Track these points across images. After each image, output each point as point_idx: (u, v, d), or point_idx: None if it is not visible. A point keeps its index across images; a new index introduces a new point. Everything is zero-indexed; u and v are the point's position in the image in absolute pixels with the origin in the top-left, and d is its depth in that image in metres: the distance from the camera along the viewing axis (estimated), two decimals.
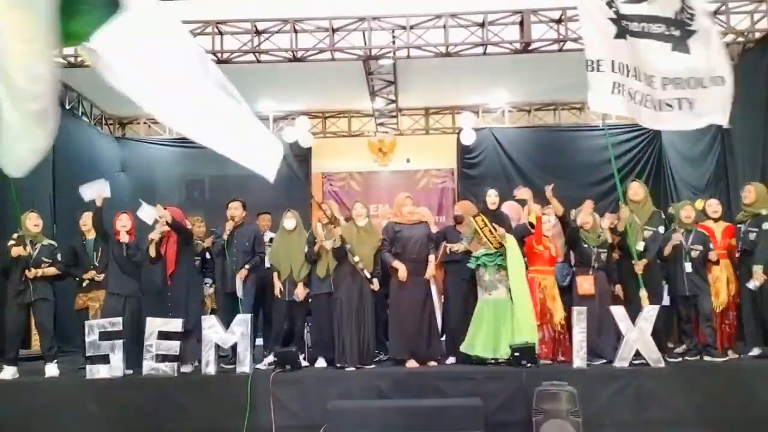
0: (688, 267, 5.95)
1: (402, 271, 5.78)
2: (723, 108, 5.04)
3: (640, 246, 5.92)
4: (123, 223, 6.08)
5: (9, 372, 5.72)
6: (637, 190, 6.25)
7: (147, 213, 6.06)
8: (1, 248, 6.05)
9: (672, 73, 4.95)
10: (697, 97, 4.96)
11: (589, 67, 5.00)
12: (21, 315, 5.92)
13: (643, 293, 5.69)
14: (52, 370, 5.81)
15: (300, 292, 6.03)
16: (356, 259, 5.79)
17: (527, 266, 5.99)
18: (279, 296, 6.07)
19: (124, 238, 6.00)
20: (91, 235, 6.34)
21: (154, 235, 5.95)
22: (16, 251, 5.80)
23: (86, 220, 6.38)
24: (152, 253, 5.98)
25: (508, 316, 5.72)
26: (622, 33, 4.97)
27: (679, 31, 4.90)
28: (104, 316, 5.86)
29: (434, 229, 6.43)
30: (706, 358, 5.83)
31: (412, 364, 5.76)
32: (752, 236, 5.89)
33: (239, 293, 6.11)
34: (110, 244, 6.10)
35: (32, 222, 6.01)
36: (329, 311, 5.91)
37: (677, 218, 6.28)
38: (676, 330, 6.45)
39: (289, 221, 6.18)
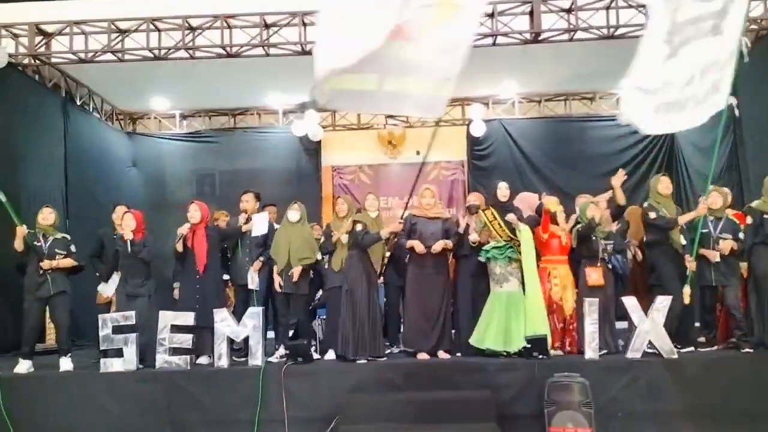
0: (716, 257, 5.83)
1: (418, 246, 5.79)
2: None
3: (682, 240, 5.87)
4: (127, 222, 6.06)
5: (24, 366, 5.77)
6: (667, 183, 6.14)
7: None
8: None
9: (711, 60, 4.73)
10: (723, 77, 4.80)
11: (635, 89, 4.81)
12: (39, 309, 5.96)
13: (687, 290, 5.65)
14: (66, 364, 5.87)
15: (296, 272, 6.01)
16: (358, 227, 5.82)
17: (539, 256, 5.98)
18: (279, 290, 6.08)
19: (128, 235, 5.98)
20: (121, 230, 6.38)
21: (183, 230, 6.03)
22: (17, 245, 5.85)
23: (119, 213, 6.41)
24: (179, 248, 6.03)
25: (520, 309, 5.72)
26: (673, 53, 4.78)
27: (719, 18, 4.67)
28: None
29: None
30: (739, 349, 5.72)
31: (423, 356, 5.76)
32: None
33: (252, 285, 6.12)
34: (118, 244, 6.12)
35: (42, 216, 6.04)
36: (338, 304, 5.92)
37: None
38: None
39: (294, 213, 6.19)
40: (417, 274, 5.92)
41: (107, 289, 6.31)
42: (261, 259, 6.21)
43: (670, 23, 4.53)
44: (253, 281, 6.14)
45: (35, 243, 5.90)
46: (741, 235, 5.88)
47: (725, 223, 5.92)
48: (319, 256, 6.21)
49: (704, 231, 5.91)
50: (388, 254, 6.27)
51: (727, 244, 5.81)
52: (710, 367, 5.45)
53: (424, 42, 3.89)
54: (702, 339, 6.21)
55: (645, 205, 6.15)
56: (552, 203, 6.09)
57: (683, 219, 5.90)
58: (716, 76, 4.76)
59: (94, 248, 6.47)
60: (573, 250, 6.04)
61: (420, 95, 4.08)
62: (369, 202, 6.14)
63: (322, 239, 6.15)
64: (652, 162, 10.24)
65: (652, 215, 5.94)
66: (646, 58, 4.64)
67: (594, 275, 5.83)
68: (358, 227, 5.85)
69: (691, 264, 5.73)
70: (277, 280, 6.08)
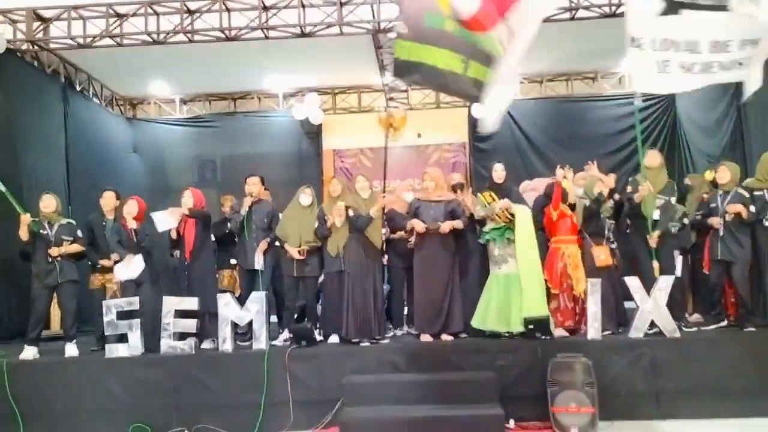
0: (721, 231, 5.80)
1: (418, 225, 5.80)
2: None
3: (656, 215, 5.88)
4: (129, 210, 6.09)
5: (30, 352, 5.81)
6: (652, 156, 6.18)
7: (162, 221, 6.06)
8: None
9: (723, 36, 4.72)
10: (745, 57, 4.76)
11: (632, 43, 4.86)
12: (46, 297, 5.97)
13: (655, 264, 5.68)
14: (72, 350, 5.90)
15: (294, 254, 6.05)
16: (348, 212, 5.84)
17: (550, 236, 5.97)
18: (299, 256, 6.06)
19: (131, 224, 6.02)
20: (110, 216, 6.38)
21: (177, 216, 6.05)
22: (23, 233, 5.84)
23: (108, 200, 6.41)
24: (173, 235, 6.06)
25: (518, 290, 5.71)
26: (672, 8, 4.78)
27: None
28: None
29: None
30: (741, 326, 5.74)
31: (426, 338, 5.79)
32: None
33: (258, 266, 6.13)
34: (119, 231, 6.13)
35: (44, 204, 6.03)
36: (340, 289, 5.93)
37: (694, 190, 6.18)
38: (690, 299, 6.44)
39: (306, 197, 6.22)
40: (423, 257, 5.91)
41: (128, 272, 6.02)
42: (267, 239, 6.22)
43: None
44: (259, 262, 6.15)
45: (41, 231, 5.90)
46: (753, 209, 5.77)
47: (734, 196, 5.83)
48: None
49: (712, 206, 5.92)
50: (385, 236, 6.26)
51: (735, 207, 5.72)
52: (712, 345, 5.46)
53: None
54: (697, 317, 6.25)
55: (629, 179, 6.22)
56: (568, 177, 6.04)
57: (637, 197, 5.86)
58: (740, 57, 4.74)
59: (86, 235, 6.45)
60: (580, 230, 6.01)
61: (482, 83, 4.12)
62: (359, 184, 6.12)
63: (317, 224, 6.11)
64: (654, 141, 10.17)
65: (629, 189, 6.01)
66: (634, 4, 4.76)
67: (602, 255, 5.83)
68: (350, 213, 5.88)
69: (652, 240, 5.77)
70: (293, 251, 6.06)
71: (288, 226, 6.18)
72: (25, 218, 5.83)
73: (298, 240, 6.08)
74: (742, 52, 4.74)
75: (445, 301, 5.84)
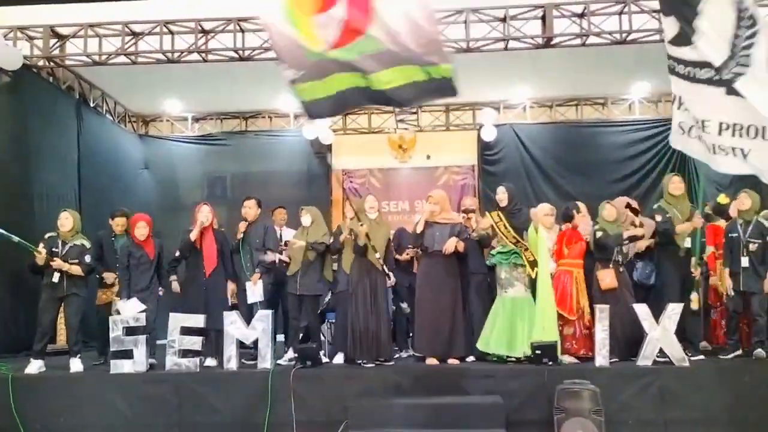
0: (744, 261, 5.73)
1: (426, 212, 5.84)
2: None
3: (687, 243, 5.83)
4: (141, 231, 6.09)
5: (35, 366, 5.81)
6: (678, 184, 6.08)
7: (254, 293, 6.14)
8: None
9: (730, 118, 4.52)
10: (753, 147, 4.50)
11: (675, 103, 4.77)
12: (53, 309, 5.97)
13: (694, 296, 5.66)
14: (76, 365, 5.90)
15: (270, 257, 6.17)
16: (377, 255, 5.82)
17: (557, 258, 5.97)
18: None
19: (150, 249, 6.09)
20: (121, 233, 6.41)
21: (204, 219, 6.10)
22: (40, 261, 5.86)
23: (120, 221, 6.48)
24: (193, 237, 6.05)
25: (525, 314, 5.69)
26: (671, 70, 4.72)
27: (729, 74, 4.44)
28: None
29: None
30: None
31: (432, 361, 5.75)
32: None
33: (252, 299, 6.14)
34: (130, 250, 6.12)
35: (61, 222, 6.03)
36: (346, 309, 5.93)
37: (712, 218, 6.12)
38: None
39: (306, 218, 6.27)
40: (427, 279, 5.91)
41: (126, 309, 6.01)
42: (258, 271, 6.20)
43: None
44: (253, 294, 6.14)
45: (53, 249, 5.92)
46: None
47: (754, 226, 5.80)
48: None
49: (733, 235, 5.87)
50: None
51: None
52: (722, 374, 5.40)
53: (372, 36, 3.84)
54: (704, 344, 6.19)
55: (655, 206, 6.13)
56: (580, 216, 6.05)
57: (681, 229, 5.83)
58: (745, 145, 4.52)
59: (94, 251, 6.49)
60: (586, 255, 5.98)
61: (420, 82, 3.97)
62: (369, 204, 6.15)
63: (332, 240, 6.17)
64: (664, 168, 10.14)
65: (658, 218, 5.92)
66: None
67: (607, 278, 5.77)
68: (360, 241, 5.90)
69: (696, 270, 5.72)
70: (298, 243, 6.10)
71: (293, 250, 6.23)
72: (41, 256, 5.83)
73: (301, 261, 6.12)
74: (750, 142, 4.48)
75: (447, 325, 5.82)
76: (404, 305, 6.47)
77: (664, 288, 5.95)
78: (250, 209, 6.38)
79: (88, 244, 6.15)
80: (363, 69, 3.89)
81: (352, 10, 3.79)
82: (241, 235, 6.24)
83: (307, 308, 6.16)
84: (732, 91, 4.45)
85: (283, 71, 3.91)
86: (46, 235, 5.98)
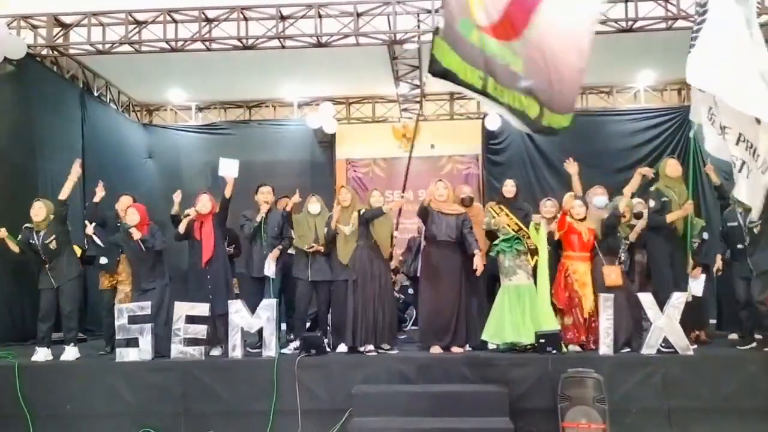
0: (747, 247, 5.73)
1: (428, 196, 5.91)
2: None
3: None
4: (131, 217, 6.01)
5: (42, 354, 5.85)
6: (675, 166, 6.09)
7: (229, 167, 6.14)
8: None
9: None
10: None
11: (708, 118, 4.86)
12: (48, 297, 5.97)
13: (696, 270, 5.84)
14: (69, 353, 5.89)
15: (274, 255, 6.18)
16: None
17: (561, 251, 5.98)
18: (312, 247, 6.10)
19: (137, 235, 5.94)
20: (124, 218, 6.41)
21: (191, 212, 6.08)
22: (12, 247, 6.00)
23: (123, 204, 6.45)
24: (182, 229, 6.05)
25: (527, 301, 5.71)
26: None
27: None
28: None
29: None
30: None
31: (436, 350, 5.76)
32: None
33: (269, 273, 6.16)
34: (125, 239, 6.08)
35: (33, 212, 5.98)
36: (348, 298, 5.92)
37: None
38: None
39: (314, 206, 6.26)
40: (431, 268, 5.92)
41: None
42: (279, 247, 6.26)
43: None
44: (269, 268, 6.17)
45: (30, 241, 5.93)
46: None
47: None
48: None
49: (733, 224, 5.88)
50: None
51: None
52: (726, 364, 5.40)
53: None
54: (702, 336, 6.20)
55: (651, 189, 6.12)
56: (568, 198, 6.05)
57: (670, 218, 5.83)
58: None
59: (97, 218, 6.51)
60: (594, 248, 5.97)
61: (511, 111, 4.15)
62: (374, 198, 6.16)
63: (325, 229, 6.16)
64: (670, 154, 10.10)
65: (651, 203, 5.94)
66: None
67: (612, 275, 5.78)
68: (361, 211, 5.97)
69: (693, 260, 5.84)
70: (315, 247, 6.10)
71: (302, 232, 6.22)
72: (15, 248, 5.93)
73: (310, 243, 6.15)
74: None
75: (451, 314, 5.84)
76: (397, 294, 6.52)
77: (657, 273, 5.98)
78: (269, 195, 6.40)
79: (64, 226, 6.10)
80: (486, 70, 3.97)
81: (516, 3, 3.86)
82: (261, 218, 6.23)
83: (319, 295, 6.19)
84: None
85: (440, 14, 4.05)
86: (24, 227, 5.99)
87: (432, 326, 5.86)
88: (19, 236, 6.02)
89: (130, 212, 6.05)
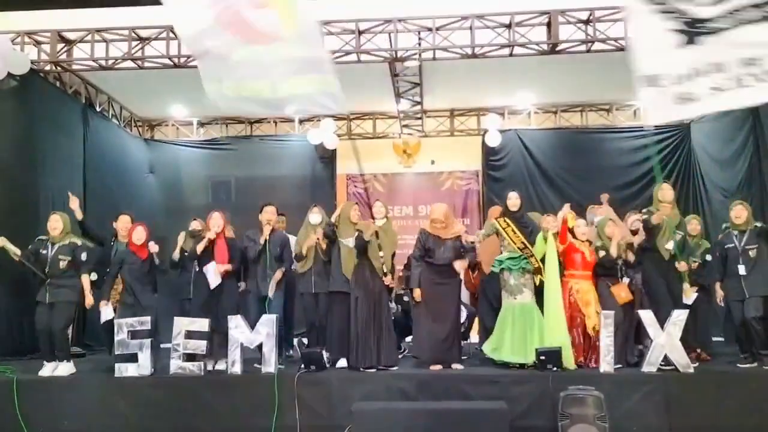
0: (742, 269, 5.77)
1: (417, 295, 5.86)
2: None
3: (670, 245, 5.87)
4: (139, 236, 6.04)
5: (49, 369, 5.82)
6: (667, 191, 6.14)
7: (213, 276, 6.13)
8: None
9: (752, 53, 4.46)
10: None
11: (648, 82, 4.82)
12: (45, 314, 5.89)
13: (687, 286, 5.82)
14: (62, 369, 5.82)
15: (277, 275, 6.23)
16: (381, 255, 5.86)
17: (562, 270, 5.96)
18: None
19: (153, 248, 6.08)
20: (123, 239, 6.42)
21: (210, 235, 6.12)
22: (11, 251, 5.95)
23: (123, 223, 6.49)
24: (199, 250, 6.10)
25: (534, 321, 5.69)
26: (691, 39, 4.77)
27: None
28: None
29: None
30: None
31: (436, 367, 5.75)
32: None
33: (270, 293, 6.20)
34: (126, 257, 6.08)
35: (51, 225, 5.99)
36: (347, 312, 5.94)
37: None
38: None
39: (315, 216, 6.34)
40: (428, 288, 5.90)
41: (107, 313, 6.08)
42: (282, 269, 6.31)
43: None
44: (271, 290, 6.20)
45: (41, 251, 5.93)
46: None
47: (749, 235, 5.86)
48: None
49: (729, 246, 5.92)
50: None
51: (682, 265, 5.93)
52: (727, 381, 5.39)
53: (290, 42, 4.21)
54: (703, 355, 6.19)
55: (644, 210, 6.22)
56: (570, 217, 6.06)
57: (656, 218, 5.90)
58: None
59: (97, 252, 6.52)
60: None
61: (314, 93, 4.42)
62: (376, 209, 6.19)
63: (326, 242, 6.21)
64: (669, 174, 10.14)
65: (635, 216, 6.18)
66: (645, 42, 4.60)
67: (623, 293, 5.83)
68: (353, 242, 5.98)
69: (681, 265, 5.88)
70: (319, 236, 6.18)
71: (302, 245, 6.29)
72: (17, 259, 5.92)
73: (313, 258, 6.22)
74: None
75: (447, 331, 5.84)
76: (392, 305, 6.53)
77: (651, 294, 6.00)
78: (273, 215, 6.45)
79: (79, 242, 6.12)
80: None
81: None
82: (266, 238, 6.24)
83: (321, 306, 6.23)
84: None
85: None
86: (37, 238, 6.00)
87: (429, 343, 5.85)
88: (29, 246, 6.00)
89: (138, 230, 6.09)
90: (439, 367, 5.75)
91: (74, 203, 6.37)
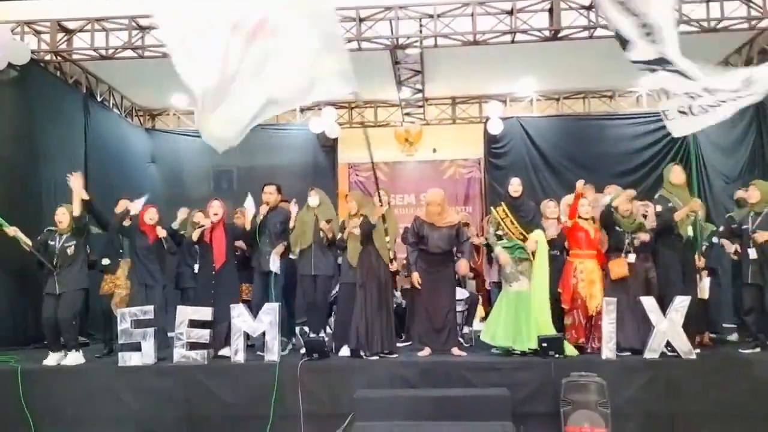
0: (752, 253, 5.73)
1: (415, 279, 5.87)
2: None
3: (690, 232, 5.84)
4: (151, 216, 6.22)
5: (54, 358, 5.86)
6: (679, 173, 6.07)
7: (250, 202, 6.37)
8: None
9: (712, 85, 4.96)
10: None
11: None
12: (51, 304, 5.92)
13: (703, 283, 5.82)
14: (71, 358, 5.86)
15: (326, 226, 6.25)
16: (387, 239, 5.87)
17: (568, 250, 5.97)
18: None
19: (162, 233, 6.20)
20: (126, 222, 6.43)
21: (206, 222, 6.17)
22: (23, 241, 5.99)
23: (122, 206, 6.49)
24: (195, 237, 6.19)
25: (529, 308, 5.70)
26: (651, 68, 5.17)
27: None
28: (130, 305, 6.00)
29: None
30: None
31: (425, 352, 5.78)
32: None
33: (273, 268, 6.22)
34: (133, 236, 6.21)
35: (58, 217, 6.03)
36: (353, 302, 5.94)
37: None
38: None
39: (313, 198, 6.44)
40: (424, 274, 5.90)
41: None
42: (284, 243, 6.35)
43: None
44: (274, 264, 6.22)
45: (50, 242, 5.97)
46: None
47: (764, 218, 5.80)
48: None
49: (744, 227, 5.88)
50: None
51: (762, 235, 5.70)
52: (729, 367, 5.40)
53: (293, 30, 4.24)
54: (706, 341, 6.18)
55: (656, 196, 6.13)
56: (579, 186, 6.07)
57: (679, 216, 5.81)
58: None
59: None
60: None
61: (329, 75, 4.44)
62: (376, 198, 6.19)
63: (339, 235, 6.22)
64: (671, 161, 10.09)
65: (658, 208, 5.92)
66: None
67: (617, 268, 5.77)
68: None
69: (700, 260, 5.82)
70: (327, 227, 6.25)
71: (300, 227, 6.37)
72: (12, 231, 5.96)
73: (310, 240, 6.29)
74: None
75: (444, 318, 5.85)
76: (397, 294, 6.58)
77: (665, 278, 5.91)
78: (271, 195, 6.47)
79: (91, 230, 6.27)
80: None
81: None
82: (260, 219, 6.30)
83: (319, 288, 6.30)
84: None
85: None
86: (46, 230, 6.06)
87: (427, 330, 5.88)
88: (39, 237, 6.04)
89: (150, 211, 6.22)
90: (428, 351, 5.77)
91: (77, 181, 6.25)
